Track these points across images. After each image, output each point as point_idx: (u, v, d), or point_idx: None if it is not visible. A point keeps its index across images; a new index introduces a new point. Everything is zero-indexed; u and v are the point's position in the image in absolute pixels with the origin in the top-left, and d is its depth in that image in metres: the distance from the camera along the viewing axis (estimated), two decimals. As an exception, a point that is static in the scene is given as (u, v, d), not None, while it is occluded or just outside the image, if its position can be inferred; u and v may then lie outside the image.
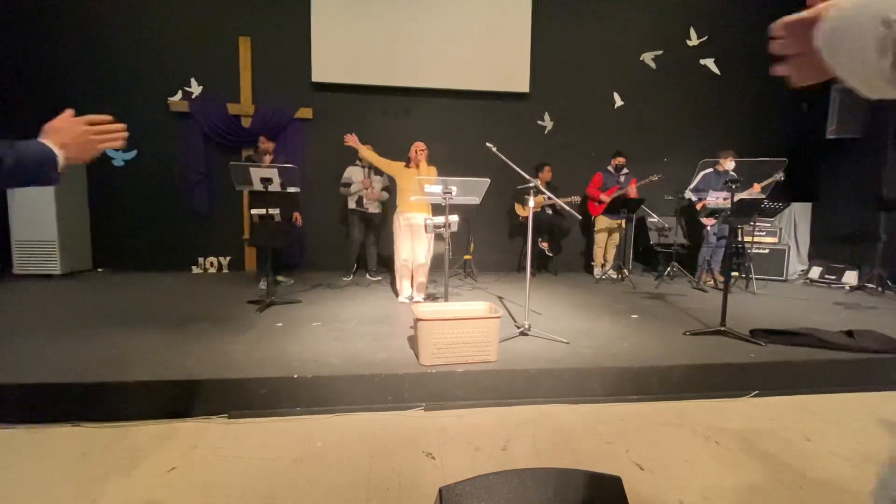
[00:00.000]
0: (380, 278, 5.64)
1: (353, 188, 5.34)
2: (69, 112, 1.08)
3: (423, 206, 4.48)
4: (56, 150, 1.01)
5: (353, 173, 5.41)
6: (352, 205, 5.46)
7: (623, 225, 5.97)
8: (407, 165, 4.56)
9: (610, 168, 6.07)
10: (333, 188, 5.65)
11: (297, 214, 5.16)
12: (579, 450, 2.24)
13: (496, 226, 6.65)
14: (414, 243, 4.54)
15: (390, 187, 5.41)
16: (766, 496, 1.91)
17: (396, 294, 4.73)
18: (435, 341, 2.74)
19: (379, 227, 5.67)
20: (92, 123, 1.08)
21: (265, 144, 5.10)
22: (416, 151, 4.47)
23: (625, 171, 6.04)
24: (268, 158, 5.03)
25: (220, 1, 6.00)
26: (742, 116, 6.84)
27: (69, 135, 1.04)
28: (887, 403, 2.84)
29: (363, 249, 5.66)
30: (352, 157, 5.36)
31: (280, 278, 5.37)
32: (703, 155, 5.81)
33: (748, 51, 6.75)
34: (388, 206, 5.65)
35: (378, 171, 5.37)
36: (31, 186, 1.02)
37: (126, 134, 1.13)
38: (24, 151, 0.96)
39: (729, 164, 5.40)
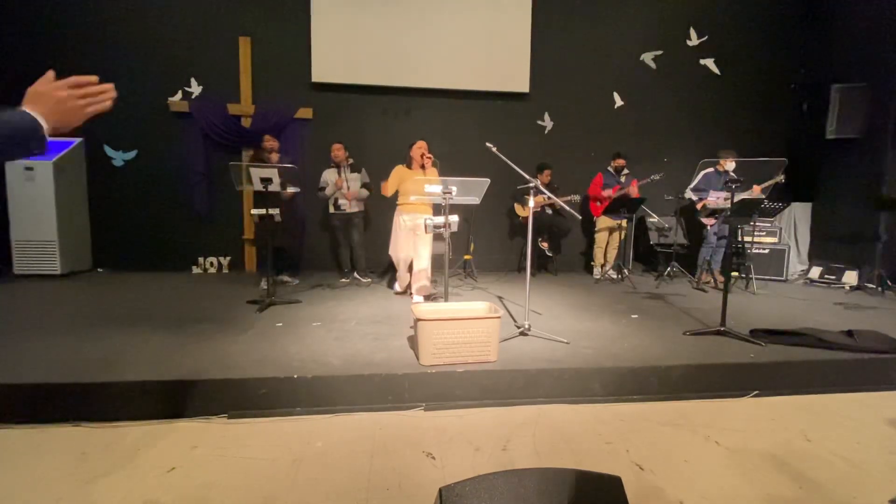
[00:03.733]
0: (370, 279, 5.54)
1: (328, 190, 5.20)
2: (50, 74, 0.98)
3: (426, 207, 4.50)
4: (40, 119, 0.93)
5: (328, 175, 5.25)
6: (330, 209, 5.31)
7: (623, 225, 5.97)
8: (408, 166, 4.57)
9: (610, 169, 6.07)
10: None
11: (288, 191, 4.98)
12: (579, 450, 2.24)
13: (496, 226, 6.65)
14: (417, 246, 4.55)
15: (370, 184, 5.34)
16: (766, 496, 1.91)
17: (392, 286, 4.75)
18: (435, 341, 2.74)
19: (361, 226, 5.44)
20: (76, 85, 0.98)
21: (270, 143, 5.10)
22: (421, 154, 4.46)
23: (625, 171, 6.04)
24: (274, 157, 5.04)
25: (220, 1, 6.00)
26: (742, 116, 6.83)
27: (52, 100, 0.96)
28: (887, 403, 2.84)
29: (352, 252, 5.51)
30: (328, 160, 5.29)
31: (285, 278, 5.36)
32: (703, 155, 5.80)
33: (748, 51, 6.77)
34: (370, 205, 5.60)
35: (354, 169, 5.28)
36: (16, 159, 0.94)
37: (114, 93, 1.03)
38: (5, 124, 0.89)
39: (729, 165, 5.39)
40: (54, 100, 0.96)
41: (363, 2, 6.06)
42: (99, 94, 1.01)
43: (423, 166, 4.50)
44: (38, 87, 0.96)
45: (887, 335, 3.27)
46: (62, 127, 0.97)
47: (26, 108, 0.94)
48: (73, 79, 0.98)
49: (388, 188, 4.54)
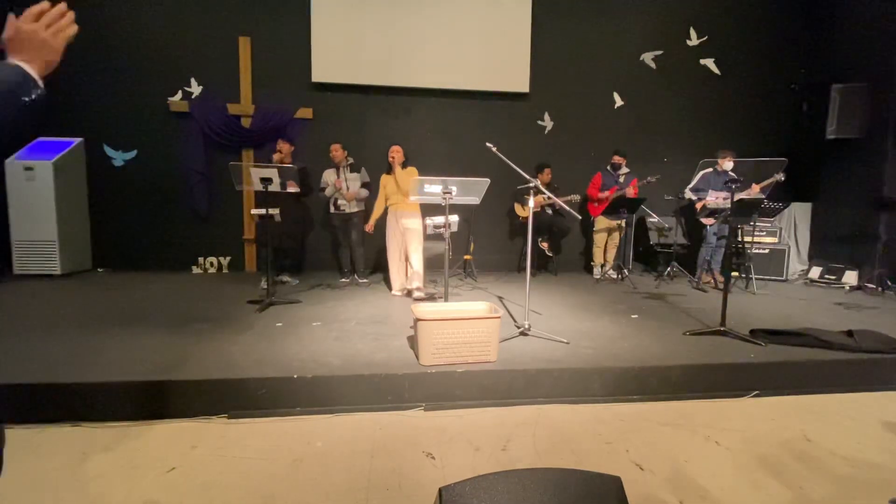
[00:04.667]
0: (367, 280, 5.50)
1: (327, 191, 5.21)
2: (10, 18, 0.90)
3: (412, 207, 4.58)
4: (21, 64, 0.87)
5: (328, 176, 5.24)
6: (330, 209, 5.30)
7: (623, 225, 5.97)
8: (388, 172, 4.76)
9: (609, 168, 6.06)
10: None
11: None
12: (579, 450, 2.24)
13: (496, 226, 6.65)
14: (408, 249, 4.64)
15: (370, 184, 5.32)
16: (766, 496, 1.91)
17: (390, 287, 4.90)
18: (435, 341, 2.74)
19: (360, 227, 5.36)
20: (38, 15, 0.91)
21: (281, 145, 5.21)
22: (391, 157, 4.67)
23: (625, 170, 6.03)
24: (281, 159, 5.10)
25: (220, 1, 6.00)
26: (742, 116, 6.83)
27: (20, 40, 0.89)
28: (887, 403, 2.84)
29: (351, 252, 5.48)
30: (328, 160, 5.26)
31: (286, 278, 5.36)
32: (703, 155, 5.83)
33: (748, 51, 6.77)
34: (370, 205, 5.59)
35: (354, 169, 5.28)
36: (14, 117, 0.84)
37: (72, 14, 0.95)
38: None
39: (727, 165, 5.40)
40: (21, 38, 0.89)
41: (363, 2, 6.06)
42: (62, 19, 0.94)
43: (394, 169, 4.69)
44: (4, 35, 0.91)
45: (887, 335, 3.27)
46: (45, 67, 0.91)
47: (8, 60, 0.89)
48: (32, 10, 0.90)
49: (380, 200, 4.85)
